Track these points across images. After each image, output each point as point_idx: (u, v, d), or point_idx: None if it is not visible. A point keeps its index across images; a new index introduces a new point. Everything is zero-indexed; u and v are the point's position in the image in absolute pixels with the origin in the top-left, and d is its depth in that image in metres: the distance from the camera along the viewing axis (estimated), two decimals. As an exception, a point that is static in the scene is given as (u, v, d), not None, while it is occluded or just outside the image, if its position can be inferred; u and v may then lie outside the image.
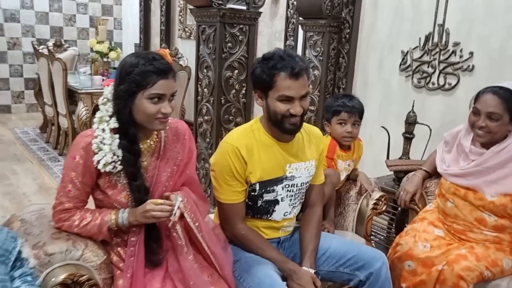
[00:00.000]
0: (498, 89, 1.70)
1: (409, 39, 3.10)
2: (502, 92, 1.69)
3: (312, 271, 1.52)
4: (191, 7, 3.07)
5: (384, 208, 1.97)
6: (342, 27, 3.50)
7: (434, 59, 2.95)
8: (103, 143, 1.28)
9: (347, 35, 3.51)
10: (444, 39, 2.87)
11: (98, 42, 4.79)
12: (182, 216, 1.34)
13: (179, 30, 5.80)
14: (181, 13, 5.74)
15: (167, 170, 1.39)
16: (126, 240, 1.36)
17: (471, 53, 2.73)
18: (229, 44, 2.93)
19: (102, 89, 4.23)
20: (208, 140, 3.15)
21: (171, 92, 1.30)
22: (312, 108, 3.51)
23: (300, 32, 3.86)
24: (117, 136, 1.30)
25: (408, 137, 2.58)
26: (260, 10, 3.06)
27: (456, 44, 2.81)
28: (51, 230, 1.29)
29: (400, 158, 2.61)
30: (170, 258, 1.36)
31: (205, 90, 3.08)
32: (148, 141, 1.38)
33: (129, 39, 6.88)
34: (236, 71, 3.01)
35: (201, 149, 3.21)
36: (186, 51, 5.42)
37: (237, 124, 3.11)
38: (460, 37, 2.80)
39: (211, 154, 3.08)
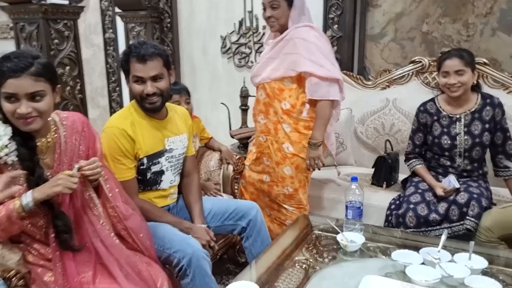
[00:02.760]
0: None
1: (226, 25, 3.52)
2: None
3: (204, 225, 1.79)
4: (3, 4, 2.83)
5: (243, 167, 2.34)
6: (162, 17, 3.71)
7: (249, 41, 3.44)
8: None
9: (168, 25, 3.73)
10: (254, 24, 3.37)
11: None
12: (97, 187, 1.42)
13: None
14: (-36, 11, 5.00)
15: (68, 162, 1.40)
16: (39, 238, 1.36)
17: (278, 34, 3.31)
18: (56, 41, 2.84)
19: None
20: (47, 142, 3.01)
21: (24, 92, 1.26)
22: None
23: (119, 24, 3.91)
24: (9, 125, 1.29)
25: (244, 108, 3.01)
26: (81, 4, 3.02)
27: (264, 27, 3.33)
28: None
29: (240, 127, 3.03)
30: (96, 244, 1.40)
31: (36, 90, 2.92)
32: (45, 138, 1.38)
33: None
34: (67, 67, 2.93)
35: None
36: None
37: (77, 121, 3.05)
38: (267, 21, 3.34)
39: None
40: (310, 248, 1.71)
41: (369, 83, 2.84)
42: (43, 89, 1.30)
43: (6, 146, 1.27)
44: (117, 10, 3.73)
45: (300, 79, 2.11)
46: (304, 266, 1.58)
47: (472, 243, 1.53)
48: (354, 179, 1.77)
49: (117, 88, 4.15)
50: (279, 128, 2.14)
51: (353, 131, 2.76)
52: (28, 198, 1.27)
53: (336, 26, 3.02)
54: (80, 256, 1.37)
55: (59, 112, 1.47)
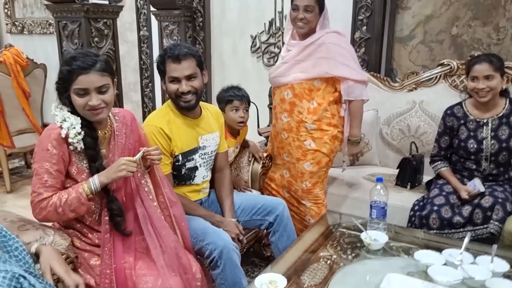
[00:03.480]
0: None
1: (256, 24, 3.60)
2: None
3: (234, 219, 1.89)
4: (47, 2, 2.99)
5: (270, 164, 2.42)
6: (195, 16, 3.82)
7: (279, 41, 3.51)
8: (68, 117, 1.42)
9: (201, 23, 3.84)
10: (284, 24, 3.44)
11: None
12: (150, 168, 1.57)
13: (7, 24, 5.31)
14: (7, 6, 5.25)
15: (120, 153, 1.54)
16: (88, 223, 1.51)
17: (307, 34, 3.36)
18: (96, 39, 2.98)
19: None
20: (85, 135, 3.16)
21: (94, 86, 1.43)
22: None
23: (153, 22, 4.04)
24: (78, 116, 1.44)
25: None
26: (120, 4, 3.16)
27: (295, 28, 3.40)
28: (15, 225, 1.34)
29: (268, 125, 3.11)
30: (146, 226, 1.52)
31: (75, 86, 3.08)
32: (103, 131, 1.53)
33: None
34: (106, 64, 3.08)
35: (77, 145, 3.20)
36: (20, 47, 5.02)
37: (113, 116, 3.20)
38: (297, 21, 3.40)
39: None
40: (335, 245, 1.79)
41: (396, 84, 2.87)
42: (107, 83, 1.46)
43: (79, 133, 1.42)
44: (151, 9, 3.87)
45: (328, 80, 2.20)
46: (328, 262, 1.66)
47: (495, 246, 1.57)
48: (379, 179, 1.83)
49: (150, 84, 4.30)
50: (301, 126, 2.24)
51: (378, 132, 2.80)
52: (95, 182, 1.43)
53: (364, 27, 3.06)
54: (126, 240, 1.49)
55: (111, 108, 1.60)
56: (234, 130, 2.26)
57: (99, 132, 1.51)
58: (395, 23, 2.98)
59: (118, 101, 3.23)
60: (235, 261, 1.67)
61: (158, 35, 3.89)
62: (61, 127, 1.41)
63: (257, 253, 2.45)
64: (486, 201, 1.97)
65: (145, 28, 4.23)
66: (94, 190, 1.43)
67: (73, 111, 1.46)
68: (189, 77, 1.78)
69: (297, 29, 2.21)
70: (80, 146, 1.44)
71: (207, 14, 3.83)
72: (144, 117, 4.14)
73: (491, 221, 1.92)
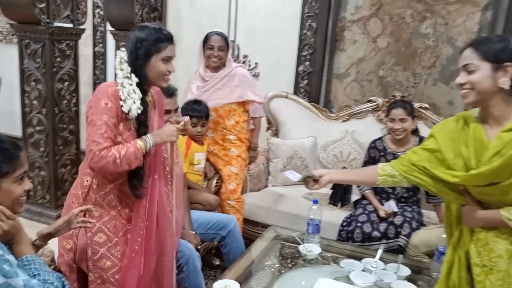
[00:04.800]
0: (219, 32, 2.80)
1: (210, 50, 3.90)
2: (221, 33, 2.78)
3: (192, 232, 2.19)
4: (12, 22, 3.11)
5: (222, 185, 2.75)
6: (152, 38, 4.05)
7: (230, 67, 3.85)
8: (133, 92, 1.56)
9: (157, 45, 4.08)
10: (236, 52, 3.79)
11: None
12: None
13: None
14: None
15: (154, 119, 1.73)
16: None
17: (256, 63, 3.73)
18: (58, 59, 3.13)
19: None
20: (42, 149, 3.25)
21: (175, 54, 1.68)
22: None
23: (109, 39, 4.20)
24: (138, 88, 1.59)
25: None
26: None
27: (245, 56, 3.76)
28: None
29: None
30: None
31: (35, 102, 3.17)
32: (148, 96, 1.69)
33: None
34: (66, 83, 3.23)
35: (34, 158, 3.31)
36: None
37: (71, 131, 3.33)
38: (247, 50, 3.75)
39: (47, 162, 3.24)
40: (277, 255, 2.15)
41: (333, 115, 3.31)
42: None
43: (139, 108, 1.58)
44: (109, 27, 4.03)
45: (241, 103, 2.80)
46: (272, 269, 2.01)
47: (400, 256, 2.00)
48: (315, 201, 2.21)
49: (103, 98, 4.45)
50: (226, 138, 2.80)
51: (316, 157, 3.22)
52: (150, 141, 1.61)
53: (307, 62, 3.49)
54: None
55: None
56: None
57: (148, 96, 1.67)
58: (333, 62, 3.43)
59: (76, 118, 3.37)
60: (198, 268, 1.97)
61: (113, 53, 4.07)
62: (124, 100, 1.54)
63: (207, 262, 2.74)
64: (398, 220, 2.43)
65: (100, 45, 4.38)
66: (148, 148, 1.59)
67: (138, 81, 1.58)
68: (176, 110, 2.15)
69: (211, 63, 2.75)
70: (136, 113, 1.57)
71: (164, 37, 4.07)
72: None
73: (400, 236, 2.38)
